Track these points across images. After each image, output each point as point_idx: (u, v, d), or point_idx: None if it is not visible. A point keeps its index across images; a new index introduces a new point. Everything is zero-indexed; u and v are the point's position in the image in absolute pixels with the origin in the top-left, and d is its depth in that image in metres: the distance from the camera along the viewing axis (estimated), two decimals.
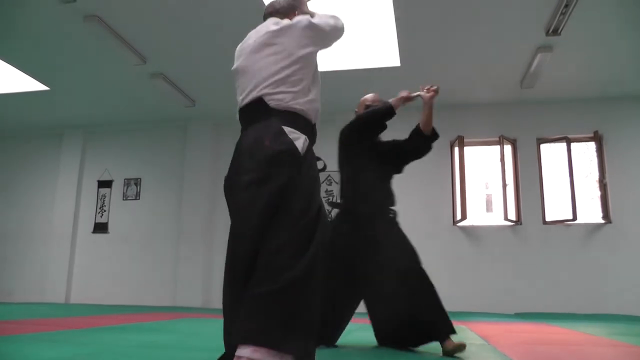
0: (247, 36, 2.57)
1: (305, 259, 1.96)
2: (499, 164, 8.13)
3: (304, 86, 2.29)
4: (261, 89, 2.32)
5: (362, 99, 3.62)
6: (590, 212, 8.01)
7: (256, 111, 2.33)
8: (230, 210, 2.20)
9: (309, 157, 2.22)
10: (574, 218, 7.75)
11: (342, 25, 2.50)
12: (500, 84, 7.68)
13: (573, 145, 8.11)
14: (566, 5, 5.47)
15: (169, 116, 9.37)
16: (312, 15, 2.46)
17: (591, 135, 8.08)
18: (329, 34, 2.46)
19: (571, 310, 7.44)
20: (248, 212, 2.07)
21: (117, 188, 9.75)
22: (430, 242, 7.94)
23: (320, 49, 2.45)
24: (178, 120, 9.49)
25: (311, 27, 2.35)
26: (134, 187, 9.68)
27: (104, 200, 9.74)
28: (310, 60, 2.38)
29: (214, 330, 4.38)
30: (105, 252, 9.45)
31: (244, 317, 1.92)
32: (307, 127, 2.26)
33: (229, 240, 2.17)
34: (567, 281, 7.58)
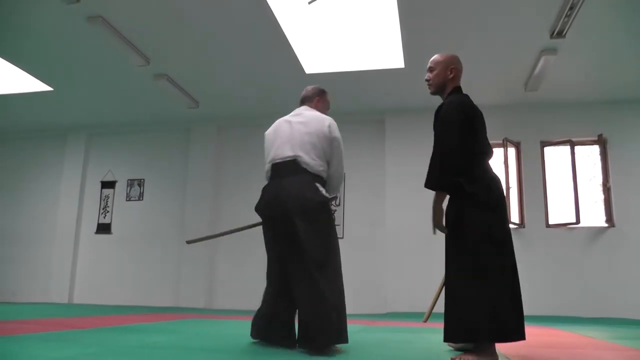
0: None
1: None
2: (503, 166, 8.11)
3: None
4: None
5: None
6: (594, 216, 7.97)
7: None
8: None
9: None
10: (577, 221, 7.73)
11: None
12: (504, 86, 7.67)
13: (577, 148, 8.10)
14: (571, 8, 5.46)
15: (172, 117, 9.39)
16: None
17: (595, 138, 8.06)
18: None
19: (574, 313, 7.42)
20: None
21: (121, 189, 9.77)
22: (434, 245, 7.94)
23: None
24: (181, 121, 9.50)
25: None
26: (137, 187, 9.69)
27: (107, 201, 9.76)
28: None
29: (216, 331, 4.38)
30: (108, 253, 9.46)
31: None
32: None
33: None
34: (570, 284, 7.56)
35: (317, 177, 3.15)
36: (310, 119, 3.31)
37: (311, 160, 3.14)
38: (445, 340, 2.78)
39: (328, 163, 3.26)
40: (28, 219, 10.01)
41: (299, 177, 3.09)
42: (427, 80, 3.11)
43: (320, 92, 3.65)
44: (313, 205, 3.05)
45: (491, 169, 2.92)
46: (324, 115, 3.39)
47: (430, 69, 3.09)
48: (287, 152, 3.17)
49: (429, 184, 2.81)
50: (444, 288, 2.91)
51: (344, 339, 2.93)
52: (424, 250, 7.84)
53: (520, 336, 2.67)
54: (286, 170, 3.14)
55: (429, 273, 7.75)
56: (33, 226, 9.95)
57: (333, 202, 3.50)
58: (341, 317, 2.97)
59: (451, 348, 3.29)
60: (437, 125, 2.86)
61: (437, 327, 5.06)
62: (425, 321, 3.36)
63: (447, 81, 3.04)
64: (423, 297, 8.04)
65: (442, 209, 2.81)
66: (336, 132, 3.29)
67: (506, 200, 2.91)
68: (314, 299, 2.91)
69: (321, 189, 3.13)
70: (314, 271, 2.92)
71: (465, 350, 2.94)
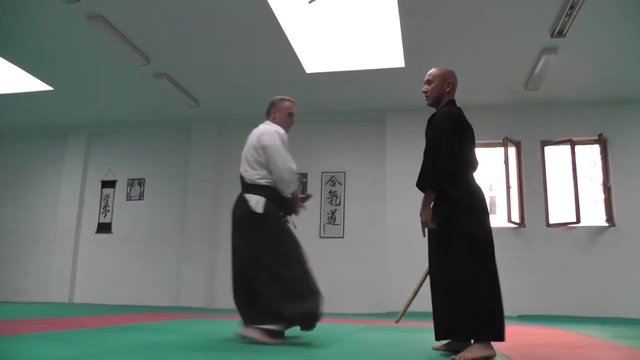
0: None
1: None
2: (503, 166, 8.12)
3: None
4: None
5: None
6: (594, 215, 7.98)
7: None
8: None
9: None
10: (578, 221, 7.73)
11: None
12: (505, 85, 7.67)
13: (577, 147, 8.09)
14: (571, 7, 5.46)
15: (172, 116, 9.39)
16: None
17: (595, 138, 8.06)
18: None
19: (574, 313, 7.42)
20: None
21: (121, 188, 9.77)
22: None
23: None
24: (182, 120, 9.50)
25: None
26: (137, 187, 9.69)
27: (107, 201, 9.76)
28: None
29: (217, 330, 4.38)
30: (108, 252, 9.47)
31: None
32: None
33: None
34: (570, 284, 7.56)
35: (253, 186, 3.60)
36: (252, 134, 3.77)
37: (246, 172, 3.67)
38: (438, 339, 3.00)
39: (270, 171, 3.59)
40: (29, 218, 10.01)
41: (240, 193, 3.69)
42: (424, 92, 3.27)
43: (272, 104, 3.91)
44: (241, 219, 3.62)
45: (475, 180, 3.10)
46: (263, 128, 3.76)
47: (428, 82, 3.26)
48: (240, 170, 3.76)
49: (420, 184, 2.99)
50: (423, 290, 3.02)
51: (268, 322, 3.31)
52: (424, 250, 7.82)
53: (503, 337, 2.79)
54: (241, 186, 3.73)
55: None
56: (33, 225, 9.95)
57: (301, 196, 3.94)
58: (270, 304, 3.32)
59: (438, 350, 3.27)
60: (430, 131, 3.07)
61: (420, 327, 5.06)
62: (397, 322, 3.49)
63: (443, 94, 3.23)
64: (422, 297, 8.04)
65: (430, 209, 2.98)
66: (266, 141, 3.59)
67: (489, 210, 3.08)
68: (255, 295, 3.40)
69: (251, 200, 3.54)
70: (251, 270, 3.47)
71: (457, 351, 2.96)
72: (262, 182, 3.58)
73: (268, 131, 3.67)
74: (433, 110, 3.24)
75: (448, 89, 3.23)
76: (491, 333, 2.76)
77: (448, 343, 3.18)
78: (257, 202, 3.52)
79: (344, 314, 7.76)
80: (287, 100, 3.93)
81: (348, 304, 8.17)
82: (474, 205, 2.97)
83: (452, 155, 2.92)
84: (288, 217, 3.87)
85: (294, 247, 3.53)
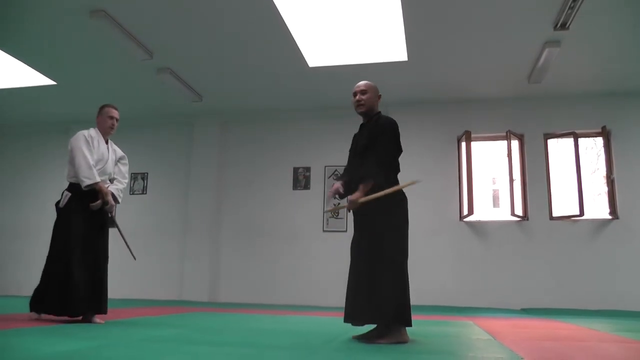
0: None
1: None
2: (506, 159, 8.11)
3: None
4: None
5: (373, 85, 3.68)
6: (597, 208, 7.97)
7: None
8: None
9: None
10: (581, 214, 7.72)
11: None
12: (508, 78, 7.64)
13: (580, 140, 8.06)
14: (574, 0, 5.44)
15: (176, 111, 9.39)
16: None
17: (599, 130, 8.03)
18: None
19: (577, 306, 7.42)
20: None
21: None
22: (437, 237, 7.96)
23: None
24: (185, 115, 9.50)
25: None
26: (140, 181, 9.71)
27: None
28: None
29: (220, 324, 4.40)
30: (111, 246, 9.44)
31: None
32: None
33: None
34: (574, 277, 7.56)
35: (69, 184, 4.56)
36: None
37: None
38: (346, 321, 3.31)
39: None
40: (31, 213, 10.03)
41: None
42: (359, 100, 3.57)
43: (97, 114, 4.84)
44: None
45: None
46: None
47: (363, 92, 3.58)
48: None
49: (369, 178, 3.31)
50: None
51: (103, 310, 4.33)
52: (425, 243, 7.85)
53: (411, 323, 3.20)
54: None
55: (430, 268, 7.76)
56: (36, 220, 9.96)
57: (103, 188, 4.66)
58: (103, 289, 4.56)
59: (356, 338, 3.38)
60: (377, 133, 3.47)
61: (422, 320, 5.08)
62: (329, 213, 4.07)
63: (375, 104, 3.62)
64: (425, 291, 8.06)
65: (364, 196, 3.31)
66: (70, 144, 4.48)
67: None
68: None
69: (64, 195, 4.66)
70: None
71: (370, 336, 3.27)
72: (69, 179, 4.47)
73: (75, 136, 4.53)
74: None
75: (378, 100, 3.65)
76: (400, 318, 3.14)
77: (369, 331, 3.35)
78: (63, 197, 4.56)
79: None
80: (105, 110, 4.86)
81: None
82: (405, 207, 3.43)
83: (396, 157, 3.54)
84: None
85: None
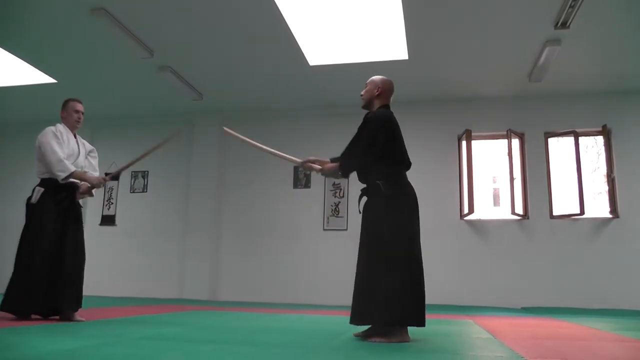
0: None
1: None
2: (507, 157, 8.10)
3: None
4: None
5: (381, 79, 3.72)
6: (598, 207, 7.96)
7: None
8: None
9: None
10: (582, 212, 7.71)
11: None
12: (508, 77, 7.63)
13: (581, 139, 8.06)
14: None
15: (176, 109, 9.38)
16: None
17: (599, 129, 8.03)
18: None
19: (578, 305, 7.42)
20: None
21: (125, 181, 9.78)
22: (437, 236, 7.95)
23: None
24: (185, 113, 9.49)
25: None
26: (141, 179, 9.71)
27: (111, 193, 9.78)
28: None
29: (220, 323, 4.40)
30: (112, 245, 9.48)
31: None
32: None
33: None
34: (574, 276, 7.56)
35: (40, 180, 4.58)
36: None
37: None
38: (351, 322, 3.32)
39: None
40: None
41: None
42: (361, 95, 3.71)
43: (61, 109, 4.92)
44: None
45: (406, 177, 3.47)
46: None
47: (365, 86, 3.70)
48: None
49: (341, 165, 3.47)
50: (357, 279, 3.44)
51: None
52: (426, 242, 7.83)
53: (419, 322, 3.15)
54: None
55: (430, 266, 7.75)
56: None
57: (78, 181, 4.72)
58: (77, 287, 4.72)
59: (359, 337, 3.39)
60: (360, 126, 3.48)
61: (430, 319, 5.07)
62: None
63: (373, 97, 3.62)
64: (425, 290, 8.05)
65: (328, 173, 3.66)
66: (38, 141, 4.42)
67: (417, 208, 3.44)
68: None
69: (36, 191, 4.67)
70: None
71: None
72: (41, 175, 4.50)
73: (44, 131, 4.49)
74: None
75: (377, 93, 3.61)
76: (388, 318, 3.09)
77: (368, 329, 3.35)
78: (35, 192, 4.61)
79: (347, 306, 7.77)
80: (70, 103, 4.90)
81: (351, 296, 8.17)
82: (403, 202, 3.32)
83: (370, 153, 3.34)
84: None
85: None
